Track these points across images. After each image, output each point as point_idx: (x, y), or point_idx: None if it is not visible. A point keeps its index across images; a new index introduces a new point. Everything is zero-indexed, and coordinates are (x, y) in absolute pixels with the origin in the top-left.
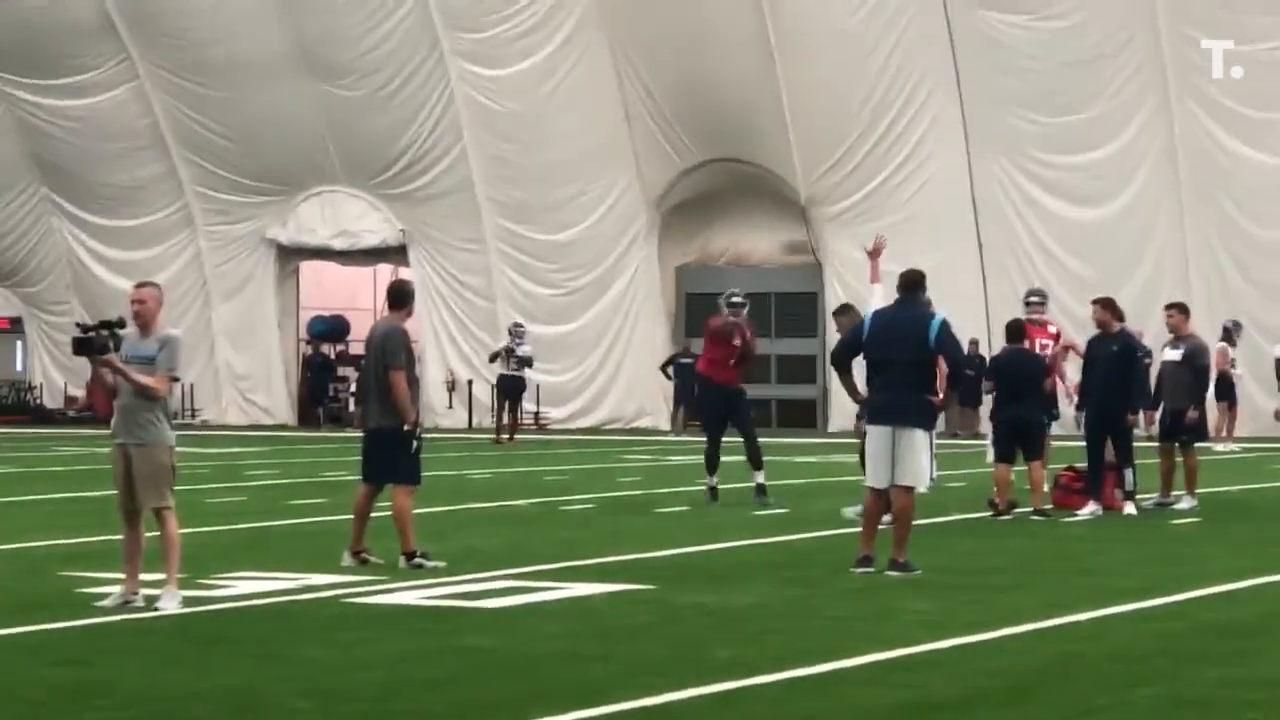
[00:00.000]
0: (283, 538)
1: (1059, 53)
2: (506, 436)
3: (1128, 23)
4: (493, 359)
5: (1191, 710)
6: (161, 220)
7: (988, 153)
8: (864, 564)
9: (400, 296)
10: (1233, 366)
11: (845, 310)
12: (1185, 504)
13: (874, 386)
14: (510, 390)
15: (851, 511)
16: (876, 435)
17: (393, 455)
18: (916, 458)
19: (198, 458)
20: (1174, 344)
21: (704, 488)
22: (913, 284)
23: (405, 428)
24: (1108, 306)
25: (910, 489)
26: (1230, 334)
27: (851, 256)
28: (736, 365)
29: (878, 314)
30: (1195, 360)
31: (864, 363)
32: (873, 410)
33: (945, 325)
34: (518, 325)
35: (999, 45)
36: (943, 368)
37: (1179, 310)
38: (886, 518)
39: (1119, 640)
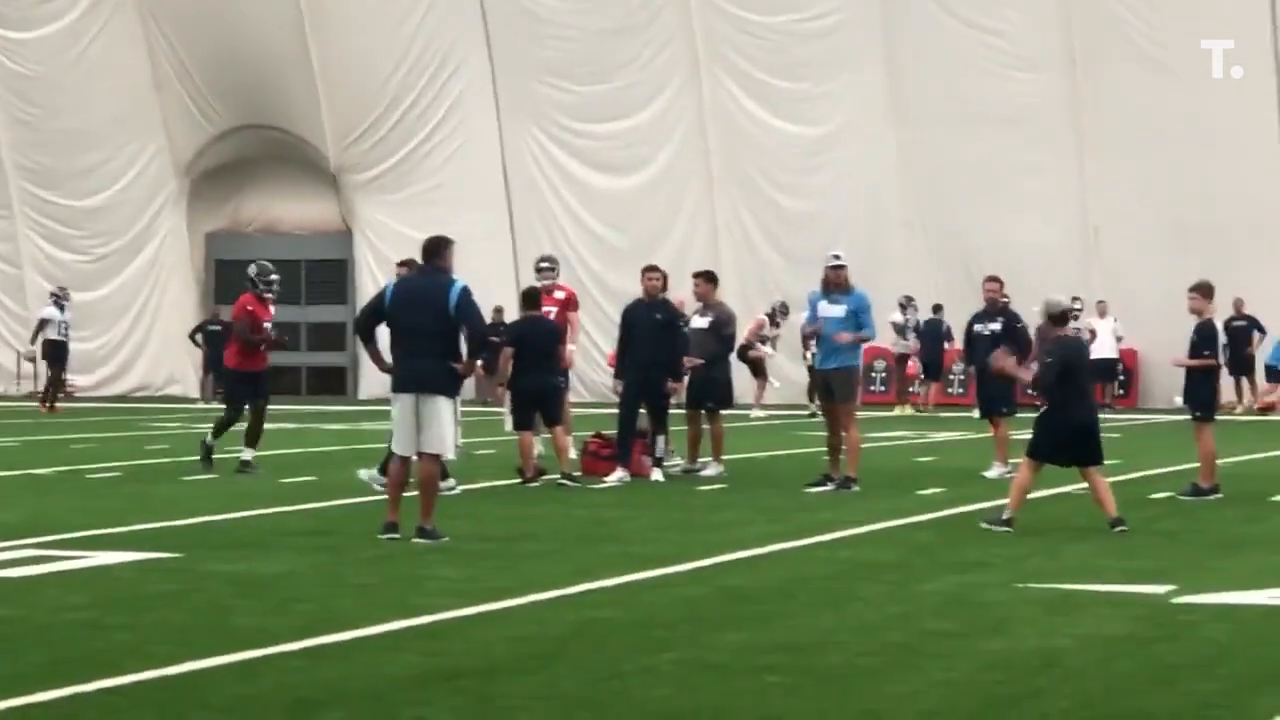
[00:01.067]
0: None
1: (590, 21)
2: (50, 404)
3: None
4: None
5: (712, 674)
6: None
7: (519, 121)
8: (390, 530)
9: None
10: (764, 343)
11: (407, 263)
12: (712, 470)
13: (397, 354)
14: (56, 356)
15: (366, 474)
16: (401, 403)
17: None
18: (441, 425)
19: None
20: (702, 312)
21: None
22: (434, 251)
23: None
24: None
25: (436, 456)
26: (774, 314)
27: (381, 223)
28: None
29: (400, 281)
30: (722, 328)
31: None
32: (396, 378)
33: (466, 292)
34: (61, 289)
35: (530, 14)
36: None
37: (706, 279)
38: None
39: (643, 606)
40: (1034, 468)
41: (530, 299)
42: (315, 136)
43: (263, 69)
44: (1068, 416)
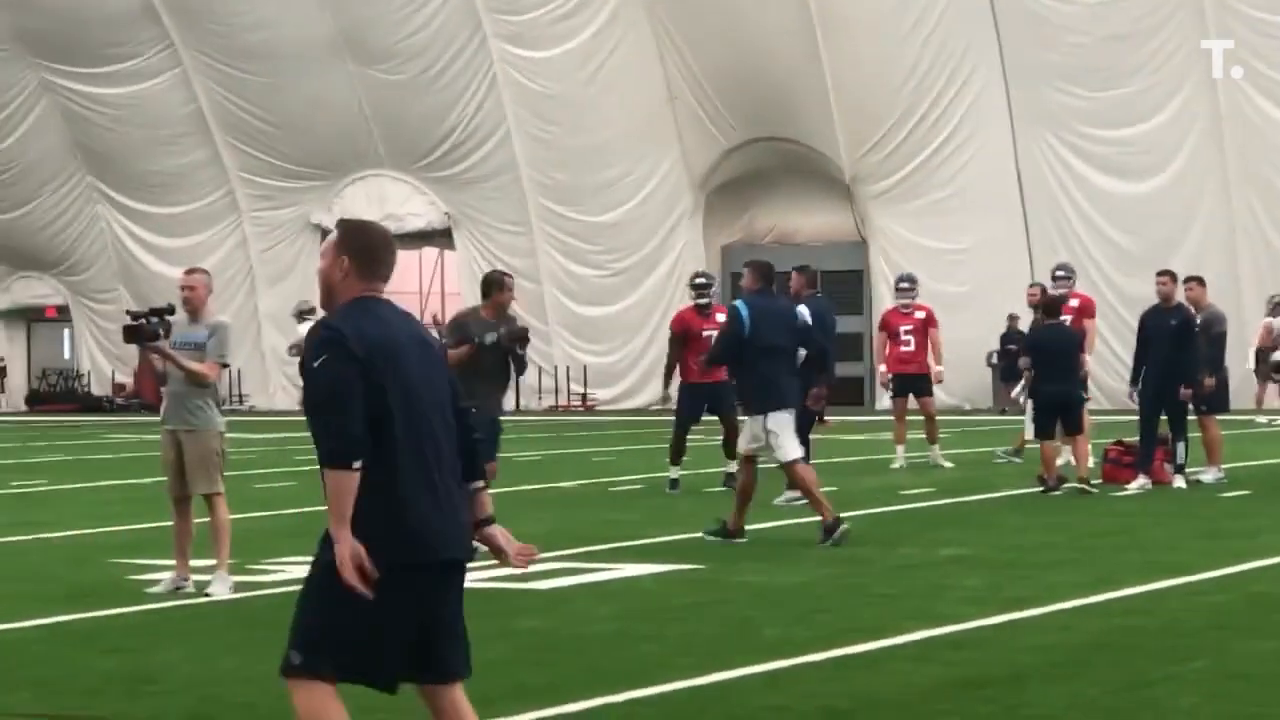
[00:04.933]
0: None
1: (1102, 26)
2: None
3: None
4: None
5: (1241, 683)
6: (206, 207)
7: (1032, 128)
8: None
9: (488, 287)
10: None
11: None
12: (1208, 476)
13: (754, 373)
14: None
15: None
16: (758, 421)
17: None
18: (789, 436)
19: (246, 443)
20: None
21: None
22: (773, 274)
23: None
24: (1176, 280)
25: (794, 463)
26: (1277, 309)
27: (895, 233)
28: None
29: (750, 305)
30: (1210, 329)
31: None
32: (759, 399)
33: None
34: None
35: (1042, 20)
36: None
37: (1198, 283)
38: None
39: (1169, 614)
40: None
41: (1051, 308)
42: (829, 148)
43: (774, 81)
44: None
